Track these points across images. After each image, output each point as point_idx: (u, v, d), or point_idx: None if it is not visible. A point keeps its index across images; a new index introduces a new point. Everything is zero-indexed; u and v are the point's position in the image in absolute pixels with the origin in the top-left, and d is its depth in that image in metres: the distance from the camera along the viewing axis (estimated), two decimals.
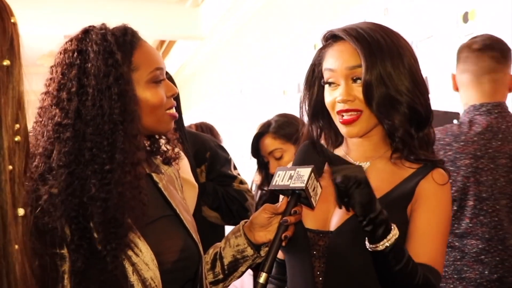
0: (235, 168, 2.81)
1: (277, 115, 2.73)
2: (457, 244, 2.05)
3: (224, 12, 6.66)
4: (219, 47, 7.59)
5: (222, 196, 2.63)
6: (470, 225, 2.03)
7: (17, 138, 0.78)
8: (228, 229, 2.20)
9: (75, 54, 1.23)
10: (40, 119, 1.24)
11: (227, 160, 2.77)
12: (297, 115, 1.55)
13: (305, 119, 1.51)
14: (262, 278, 1.25)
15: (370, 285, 1.32)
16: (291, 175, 1.30)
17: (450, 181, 2.00)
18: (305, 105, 1.49)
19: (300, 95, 1.51)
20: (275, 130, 2.62)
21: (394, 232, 1.22)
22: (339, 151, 1.49)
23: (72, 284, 1.16)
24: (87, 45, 1.24)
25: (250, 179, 3.41)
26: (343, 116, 1.37)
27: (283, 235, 1.29)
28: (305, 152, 1.40)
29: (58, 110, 1.20)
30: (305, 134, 1.51)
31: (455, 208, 2.04)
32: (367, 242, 1.24)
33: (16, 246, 0.77)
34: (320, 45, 1.49)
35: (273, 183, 1.34)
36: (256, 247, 1.40)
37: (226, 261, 1.42)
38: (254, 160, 2.82)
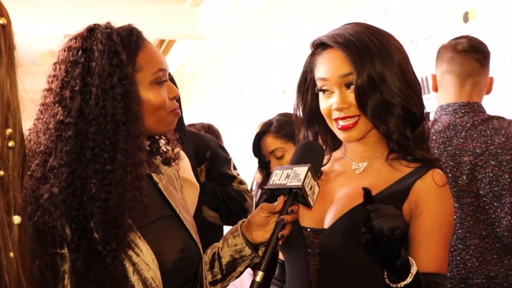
0: (235, 168, 2.81)
1: (278, 115, 2.73)
2: None
3: (224, 11, 6.66)
4: (219, 46, 7.59)
5: (222, 196, 2.63)
6: None
7: (10, 144, 0.75)
8: (226, 229, 2.20)
9: (80, 52, 1.23)
10: (42, 116, 1.23)
11: (227, 160, 2.77)
12: None
13: (300, 123, 1.52)
14: (258, 277, 1.26)
15: (363, 282, 1.32)
16: (288, 174, 1.30)
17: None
18: (299, 111, 1.50)
19: (293, 103, 1.51)
20: (277, 130, 2.62)
21: (413, 269, 1.23)
22: (337, 153, 1.50)
23: (72, 284, 1.16)
24: (92, 44, 1.23)
25: (250, 178, 3.41)
26: (339, 122, 1.38)
27: (279, 234, 1.29)
28: (303, 151, 1.40)
29: (60, 108, 1.20)
30: (301, 140, 1.51)
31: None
32: (386, 280, 1.25)
33: (11, 254, 0.74)
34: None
35: (271, 182, 1.34)
36: (254, 247, 1.40)
37: (224, 261, 1.42)
38: (254, 160, 2.82)
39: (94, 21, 1.30)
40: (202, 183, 2.55)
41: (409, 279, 1.22)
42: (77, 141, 1.18)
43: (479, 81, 2.12)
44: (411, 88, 1.37)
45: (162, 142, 1.42)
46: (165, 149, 1.43)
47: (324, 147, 1.48)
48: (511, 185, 1.96)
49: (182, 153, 2.20)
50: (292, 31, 5.19)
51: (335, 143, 1.51)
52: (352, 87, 1.35)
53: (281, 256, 1.55)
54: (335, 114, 1.38)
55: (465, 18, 3.06)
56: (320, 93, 1.41)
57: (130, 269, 1.18)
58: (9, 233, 0.74)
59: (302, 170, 1.29)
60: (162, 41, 9.49)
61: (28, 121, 1.26)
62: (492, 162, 1.98)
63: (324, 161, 1.48)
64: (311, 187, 1.29)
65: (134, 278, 1.19)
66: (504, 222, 1.96)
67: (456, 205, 1.98)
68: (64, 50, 1.26)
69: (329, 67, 1.38)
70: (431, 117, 2.20)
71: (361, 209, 1.22)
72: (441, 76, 2.14)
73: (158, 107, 1.29)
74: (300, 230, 1.38)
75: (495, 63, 2.21)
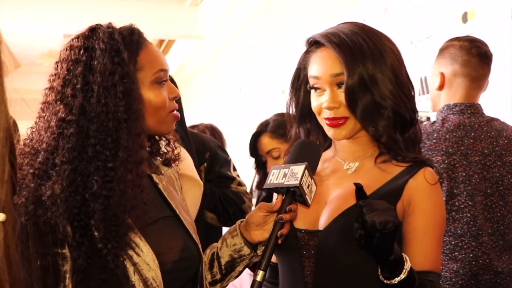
0: (234, 169, 2.81)
1: (275, 115, 2.74)
2: None
3: (224, 11, 6.66)
4: (218, 46, 7.59)
5: (219, 197, 2.62)
6: None
7: None
8: (225, 229, 2.20)
9: (82, 50, 1.23)
10: (43, 114, 1.23)
11: (227, 161, 2.77)
12: None
13: (292, 120, 1.51)
14: (259, 276, 1.26)
15: (360, 282, 1.32)
16: (285, 173, 1.31)
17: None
18: (291, 108, 1.50)
19: (286, 99, 1.51)
20: (273, 130, 2.62)
21: (407, 265, 1.24)
22: (328, 153, 1.49)
23: (73, 283, 1.17)
24: (94, 43, 1.24)
25: (249, 178, 3.41)
26: (329, 121, 1.38)
27: (278, 233, 1.29)
28: (299, 150, 1.40)
29: (62, 106, 1.20)
30: (293, 136, 1.51)
31: None
32: (380, 276, 1.25)
33: None
34: None
35: (268, 182, 1.34)
36: (253, 246, 1.40)
37: (223, 261, 1.42)
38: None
39: (94, 21, 1.31)
40: None
41: (402, 275, 1.22)
42: (79, 139, 1.18)
43: (484, 84, 2.17)
44: (403, 91, 1.36)
45: (163, 143, 1.43)
46: (165, 150, 1.43)
47: (321, 145, 1.48)
48: None
49: (185, 152, 2.21)
50: (291, 31, 5.19)
51: (327, 141, 1.51)
52: (343, 86, 1.35)
53: (272, 258, 1.55)
54: (325, 114, 1.38)
55: (464, 18, 3.07)
56: (312, 91, 1.41)
57: (131, 269, 1.19)
58: None
59: (299, 168, 1.29)
60: (161, 41, 9.50)
61: (30, 121, 1.27)
62: (498, 163, 2.06)
63: None
64: (309, 185, 1.29)
65: (134, 278, 1.19)
66: (506, 220, 2.06)
67: (470, 203, 2.03)
68: (66, 49, 1.26)
69: (322, 66, 1.38)
70: (434, 116, 2.23)
71: (356, 210, 1.22)
72: (452, 77, 2.14)
73: (158, 107, 1.30)
74: (295, 232, 1.38)
75: (494, 63, 2.21)
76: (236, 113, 6.80)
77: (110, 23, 1.30)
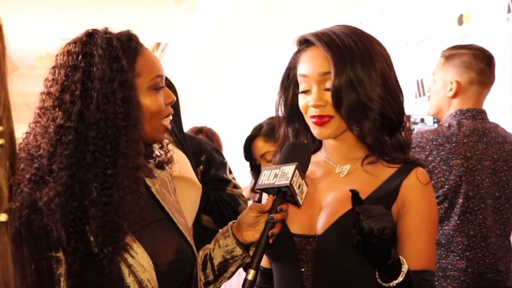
0: (230, 172, 2.82)
1: (268, 118, 2.75)
2: (443, 241, 2.14)
3: (221, 14, 6.68)
4: (215, 49, 7.60)
5: (215, 200, 2.63)
6: (458, 222, 2.12)
7: (0, 141, 0.74)
8: None
9: (80, 56, 1.23)
10: (40, 120, 1.23)
11: (223, 164, 2.77)
12: None
13: (281, 119, 1.51)
14: (250, 275, 1.26)
15: (358, 287, 1.33)
16: (276, 174, 1.31)
17: (442, 179, 2.06)
18: (281, 107, 1.50)
19: (276, 98, 1.51)
20: (267, 133, 2.63)
21: (404, 268, 1.24)
22: (319, 156, 1.49)
23: (68, 287, 1.17)
24: (92, 49, 1.23)
25: (246, 180, 3.41)
26: (315, 119, 1.38)
27: (269, 232, 1.29)
28: (290, 151, 1.40)
29: (60, 112, 1.20)
30: (281, 136, 1.51)
31: (446, 205, 2.13)
32: (378, 279, 1.26)
33: None
34: None
35: (259, 183, 1.35)
36: (245, 247, 1.40)
37: (216, 262, 1.43)
38: None
39: (91, 24, 1.30)
40: None
41: (400, 278, 1.23)
42: (77, 145, 1.18)
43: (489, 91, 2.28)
44: (391, 95, 1.37)
45: (156, 146, 1.43)
46: (158, 154, 1.43)
47: (312, 145, 1.48)
48: None
49: (183, 154, 2.21)
50: (289, 33, 5.20)
51: (315, 142, 1.50)
52: (328, 84, 1.35)
53: (263, 263, 1.54)
54: (311, 111, 1.38)
55: (460, 20, 3.08)
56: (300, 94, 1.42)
57: (125, 271, 1.19)
58: None
59: (289, 169, 1.29)
60: (158, 44, 9.51)
61: (27, 125, 1.27)
62: (505, 167, 2.17)
63: None
64: (299, 185, 1.30)
65: (129, 280, 1.19)
66: (510, 222, 2.18)
67: (482, 206, 2.12)
68: (63, 55, 1.25)
69: (310, 65, 1.38)
70: (430, 119, 2.30)
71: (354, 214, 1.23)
72: (468, 85, 2.21)
73: (154, 113, 1.30)
74: (291, 237, 1.38)
75: None
76: (233, 115, 6.80)
77: (106, 28, 1.29)
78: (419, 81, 3.36)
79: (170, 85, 1.91)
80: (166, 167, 1.46)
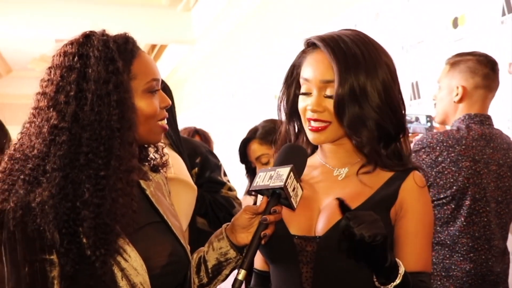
0: (225, 174, 2.82)
1: (264, 121, 2.75)
2: (448, 242, 2.17)
3: (216, 16, 6.68)
4: (210, 51, 7.61)
5: (210, 203, 2.63)
6: (464, 223, 2.15)
7: None
8: None
9: (76, 57, 1.23)
10: (35, 120, 1.23)
11: (217, 166, 2.78)
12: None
13: (283, 116, 1.51)
14: (241, 275, 1.26)
15: (358, 287, 1.33)
16: (271, 175, 1.31)
17: (451, 180, 2.10)
18: (283, 103, 1.50)
19: (279, 94, 1.52)
20: (262, 136, 2.64)
21: (401, 270, 1.26)
22: (315, 159, 1.50)
23: None
24: (88, 50, 1.23)
25: (241, 183, 3.41)
26: (311, 123, 1.38)
27: (262, 233, 1.29)
28: (286, 153, 1.40)
29: (54, 112, 1.20)
30: (283, 133, 1.51)
31: (453, 206, 2.16)
32: (376, 282, 1.27)
33: None
34: None
35: (254, 184, 1.34)
36: (239, 249, 1.40)
37: (210, 265, 1.42)
38: None
39: (86, 27, 1.30)
40: None
41: (398, 280, 1.24)
42: (71, 146, 1.18)
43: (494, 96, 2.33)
44: (390, 107, 1.37)
45: (151, 150, 1.43)
46: (153, 157, 1.43)
47: (307, 150, 1.48)
48: None
49: (178, 157, 2.21)
50: (284, 35, 5.21)
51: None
52: (329, 92, 1.36)
53: (258, 265, 1.54)
54: (309, 114, 1.39)
55: (455, 23, 3.09)
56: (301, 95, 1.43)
57: (118, 274, 1.19)
58: None
59: (284, 170, 1.30)
60: (153, 46, 9.50)
61: (20, 126, 1.26)
62: (508, 173, 2.23)
63: None
64: (294, 188, 1.30)
65: (122, 283, 1.19)
66: (508, 226, 2.26)
67: (487, 208, 2.17)
68: (59, 55, 1.25)
69: (314, 69, 1.39)
70: (423, 117, 2.34)
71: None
72: (473, 89, 2.26)
73: (149, 116, 1.30)
74: (291, 238, 1.38)
75: None
76: (229, 117, 6.80)
77: (104, 30, 1.30)
78: (414, 83, 3.37)
79: (165, 88, 1.91)
80: (161, 170, 1.46)
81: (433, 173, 2.14)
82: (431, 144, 2.15)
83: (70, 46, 1.25)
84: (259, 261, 1.54)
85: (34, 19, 6.54)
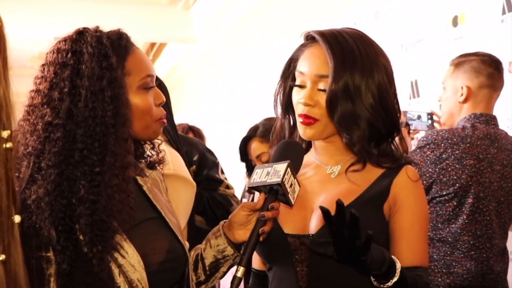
0: (222, 172, 2.82)
1: (264, 119, 2.75)
2: (449, 239, 2.18)
3: (215, 14, 6.67)
4: (210, 49, 7.60)
5: (207, 201, 2.63)
6: (466, 221, 2.17)
7: (8, 145, 0.75)
8: None
9: (69, 54, 1.22)
10: (29, 117, 1.22)
11: (215, 164, 2.77)
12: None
13: (279, 110, 1.51)
14: (239, 272, 1.25)
15: (354, 284, 1.33)
16: (268, 172, 1.31)
17: (455, 177, 2.11)
18: (280, 95, 1.50)
19: (276, 87, 1.51)
20: (262, 134, 2.64)
21: (398, 265, 1.26)
22: (309, 157, 1.49)
23: (58, 287, 1.16)
24: (82, 47, 1.23)
25: (239, 181, 3.41)
26: (302, 118, 1.38)
27: (260, 230, 1.28)
28: (283, 150, 1.40)
29: (49, 109, 1.19)
30: (278, 127, 1.51)
31: (455, 203, 2.17)
32: (375, 282, 1.27)
33: (16, 254, 0.75)
34: None
35: (251, 181, 1.34)
36: (236, 246, 1.40)
37: (207, 262, 1.42)
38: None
39: (85, 24, 1.30)
40: None
41: (396, 277, 1.25)
42: (66, 143, 1.17)
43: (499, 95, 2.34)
44: (383, 107, 1.37)
45: (147, 146, 1.42)
46: (149, 154, 1.43)
47: (303, 146, 1.48)
48: None
49: (177, 153, 2.21)
50: (283, 34, 5.21)
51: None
52: (323, 86, 1.35)
53: (255, 265, 1.54)
54: (300, 109, 1.39)
55: (455, 22, 3.09)
56: (295, 87, 1.42)
57: (116, 271, 1.18)
58: (12, 233, 0.75)
59: (281, 167, 1.29)
60: (153, 44, 9.49)
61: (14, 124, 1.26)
62: None
63: None
64: (291, 184, 1.29)
65: (120, 280, 1.18)
66: (507, 225, 2.27)
67: (489, 207, 2.18)
68: (53, 52, 1.25)
69: (310, 63, 1.38)
70: (425, 114, 2.36)
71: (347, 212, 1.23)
72: (478, 89, 2.27)
73: (144, 112, 1.29)
74: (285, 237, 1.38)
75: None
76: (228, 116, 6.80)
77: (97, 26, 1.29)
78: (413, 82, 3.37)
79: (161, 85, 1.91)
80: (158, 167, 1.45)
81: (437, 169, 2.15)
82: (436, 141, 2.16)
83: (64, 42, 1.25)
84: (256, 261, 1.54)
85: (33, 18, 6.53)
